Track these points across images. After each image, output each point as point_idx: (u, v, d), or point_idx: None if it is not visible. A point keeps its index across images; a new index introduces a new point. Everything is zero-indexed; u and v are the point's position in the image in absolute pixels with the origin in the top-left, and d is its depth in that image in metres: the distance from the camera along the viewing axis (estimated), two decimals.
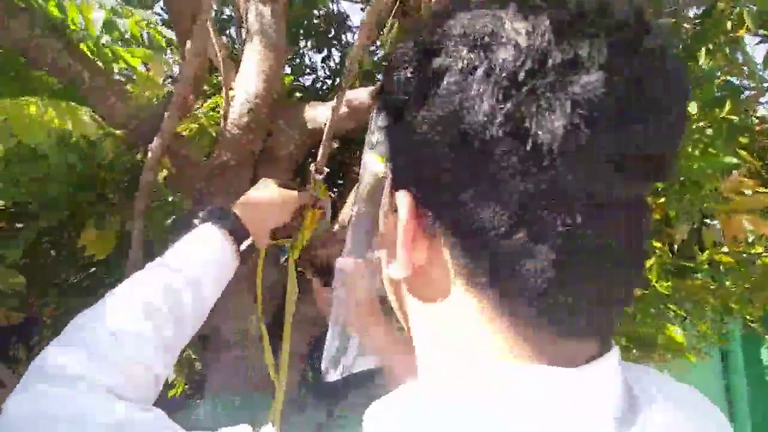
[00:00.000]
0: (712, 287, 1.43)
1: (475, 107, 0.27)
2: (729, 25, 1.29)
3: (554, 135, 0.25)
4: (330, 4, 1.90)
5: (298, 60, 1.93)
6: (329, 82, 1.94)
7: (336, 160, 1.60)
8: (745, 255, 1.41)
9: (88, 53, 1.28)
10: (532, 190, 0.27)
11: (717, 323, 1.58)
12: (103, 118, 1.21)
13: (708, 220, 1.60)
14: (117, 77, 1.50)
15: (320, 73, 1.97)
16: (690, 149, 1.22)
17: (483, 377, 0.30)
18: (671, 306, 1.48)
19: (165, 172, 1.29)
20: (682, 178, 1.26)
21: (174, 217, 1.46)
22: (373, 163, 0.45)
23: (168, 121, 1.04)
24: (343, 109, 1.13)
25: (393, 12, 1.42)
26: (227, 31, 1.95)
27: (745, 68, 1.36)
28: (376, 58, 1.76)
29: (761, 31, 1.30)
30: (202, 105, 1.48)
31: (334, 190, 1.63)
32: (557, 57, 0.25)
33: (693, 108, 1.22)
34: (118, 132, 1.25)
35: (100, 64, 1.28)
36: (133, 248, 1.08)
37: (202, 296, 0.63)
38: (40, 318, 1.60)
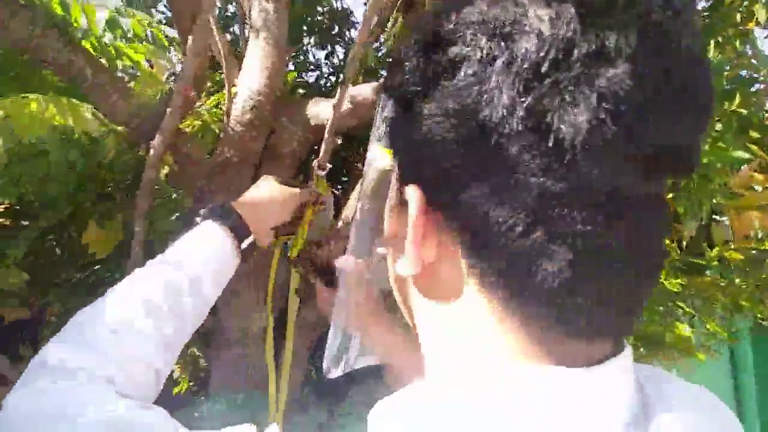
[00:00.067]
0: (721, 284, 1.42)
1: (494, 100, 0.25)
2: (738, 17, 1.27)
3: (578, 130, 0.24)
4: (333, 1, 1.89)
5: (301, 57, 1.92)
6: (333, 78, 1.93)
7: (339, 156, 1.59)
8: (754, 252, 1.39)
9: (91, 50, 1.27)
10: (552, 188, 0.25)
11: (727, 321, 1.57)
12: (105, 115, 1.20)
13: (717, 217, 1.59)
14: (120, 74, 1.50)
15: (324, 69, 1.96)
16: None
17: (492, 377, 0.29)
18: (680, 303, 1.46)
19: (167, 169, 1.29)
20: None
21: (177, 215, 1.46)
22: (379, 158, 0.44)
23: (169, 118, 1.03)
24: (346, 106, 1.12)
25: (396, 6, 1.40)
26: (230, 28, 1.94)
27: (755, 61, 1.33)
28: (379, 54, 1.74)
29: None
30: (205, 102, 1.47)
31: (338, 186, 1.62)
32: (583, 47, 0.24)
33: None
34: (120, 129, 1.25)
35: (104, 61, 1.27)
36: (134, 247, 1.08)
37: (202, 294, 0.63)
38: (44, 317, 1.60)
